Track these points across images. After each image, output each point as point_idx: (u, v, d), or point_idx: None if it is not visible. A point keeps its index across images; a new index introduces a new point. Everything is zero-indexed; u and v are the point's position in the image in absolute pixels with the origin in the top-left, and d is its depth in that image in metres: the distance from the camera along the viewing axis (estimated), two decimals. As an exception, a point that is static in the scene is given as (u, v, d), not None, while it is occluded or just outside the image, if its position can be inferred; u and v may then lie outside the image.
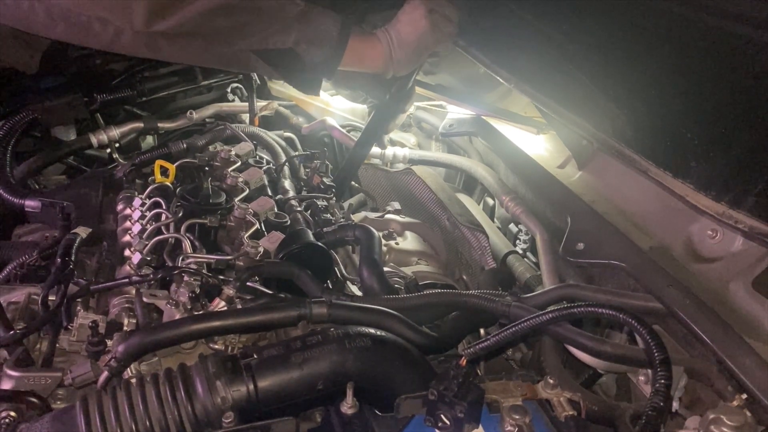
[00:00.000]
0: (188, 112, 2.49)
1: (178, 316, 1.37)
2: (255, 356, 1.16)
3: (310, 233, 1.70)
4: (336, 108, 2.68)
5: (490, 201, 2.30)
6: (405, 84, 2.03)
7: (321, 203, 2.00)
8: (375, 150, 2.43)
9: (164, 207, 1.77)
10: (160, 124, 2.44)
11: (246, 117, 2.65)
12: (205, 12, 1.54)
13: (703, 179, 1.24)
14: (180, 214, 1.73)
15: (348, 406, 1.18)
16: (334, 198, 2.09)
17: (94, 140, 2.29)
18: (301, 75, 1.78)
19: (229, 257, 1.61)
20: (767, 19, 1.34)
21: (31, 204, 1.94)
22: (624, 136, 1.39)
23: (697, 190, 1.24)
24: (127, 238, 1.74)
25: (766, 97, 1.30)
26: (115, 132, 2.34)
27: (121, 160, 2.31)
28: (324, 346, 1.18)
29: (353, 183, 2.47)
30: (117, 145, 2.37)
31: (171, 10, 1.52)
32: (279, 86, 2.78)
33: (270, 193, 2.03)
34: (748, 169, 1.22)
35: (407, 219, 2.13)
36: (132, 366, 1.28)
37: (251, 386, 1.12)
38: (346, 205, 2.15)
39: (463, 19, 1.88)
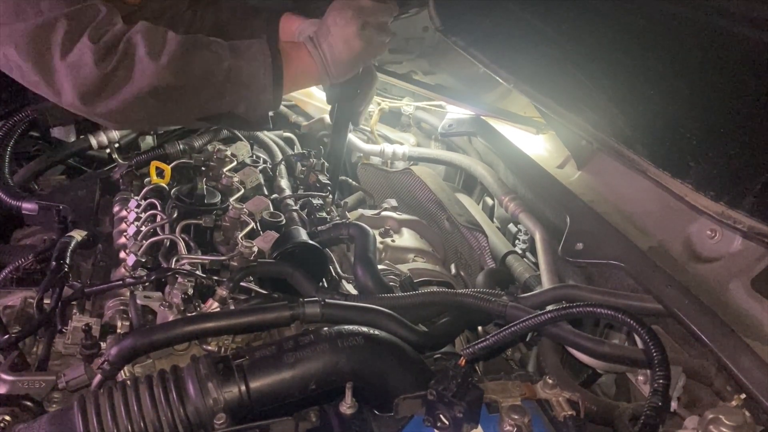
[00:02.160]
0: (187, 112, 2.48)
1: (171, 318, 1.37)
2: (247, 357, 1.15)
3: (303, 232, 1.70)
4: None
5: (490, 201, 2.30)
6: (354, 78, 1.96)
7: (317, 202, 1.99)
8: (374, 148, 2.43)
9: (159, 208, 1.77)
10: (159, 124, 2.43)
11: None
12: (131, 101, 1.57)
13: (702, 179, 1.24)
14: (175, 215, 1.72)
15: (347, 406, 1.18)
16: (331, 196, 2.08)
17: (93, 141, 2.28)
18: (248, 123, 1.78)
19: (222, 258, 1.61)
20: (766, 19, 1.33)
21: (28, 207, 1.93)
22: (623, 136, 1.39)
23: (696, 190, 1.23)
24: (122, 239, 1.74)
25: (765, 96, 1.30)
26: (115, 133, 2.33)
27: (120, 161, 2.31)
28: (316, 346, 1.16)
29: (352, 181, 2.47)
30: (116, 145, 2.36)
31: (96, 99, 1.57)
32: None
33: (266, 193, 2.03)
34: (747, 169, 1.22)
35: (404, 216, 2.12)
36: (126, 368, 1.27)
37: (243, 387, 1.11)
38: (342, 203, 2.14)
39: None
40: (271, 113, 1.78)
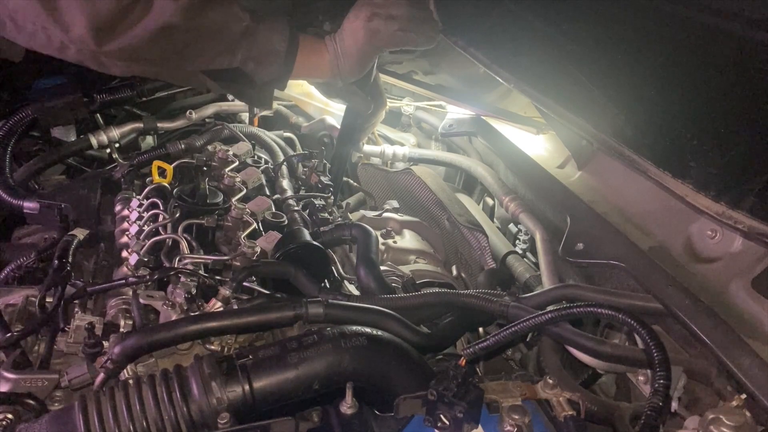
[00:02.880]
0: (188, 112, 2.48)
1: (174, 317, 1.37)
2: (250, 357, 1.15)
3: (306, 233, 1.70)
4: (335, 107, 2.67)
5: (490, 201, 2.30)
6: (365, 84, 1.99)
7: (319, 202, 2.00)
8: (374, 149, 2.43)
9: (162, 208, 1.77)
10: (159, 125, 2.43)
11: (246, 116, 2.64)
12: (144, 37, 1.53)
13: (703, 179, 1.23)
14: (177, 215, 1.72)
15: (347, 406, 1.18)
16: (332, 197, 2.08)
17: (93, 141, 2.28)
18: (251, 91, 1.77)
19: (225, 257, 1.61)
20: (765, 19, 1.33)
21: (29, 206, 1.94)
22: (623, 136, 1.39)
23: (697, 190, 1.23)
24: (124, 239, 1.74)
25: (765, 96, 1.30)
26: (115, 132, 2.33)
27: (120, 161, 2.31)
28: (320, 346, 1.17)
29: (352, 182, 2.47)
30: (117, 145, 2.36)
31: (109, 35, 1.51)
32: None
33: (268, 193, 2.03)
34: (748, 169, 1.22)
35: (405, 217, 2.12)
36: (129, 367, 1.27)
37: (247, 387, 1.11)
38: (344, 204, 2.14)
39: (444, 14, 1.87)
40: (274, 104, 1.76)
